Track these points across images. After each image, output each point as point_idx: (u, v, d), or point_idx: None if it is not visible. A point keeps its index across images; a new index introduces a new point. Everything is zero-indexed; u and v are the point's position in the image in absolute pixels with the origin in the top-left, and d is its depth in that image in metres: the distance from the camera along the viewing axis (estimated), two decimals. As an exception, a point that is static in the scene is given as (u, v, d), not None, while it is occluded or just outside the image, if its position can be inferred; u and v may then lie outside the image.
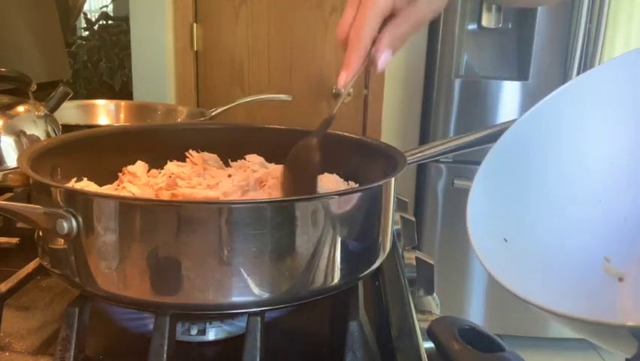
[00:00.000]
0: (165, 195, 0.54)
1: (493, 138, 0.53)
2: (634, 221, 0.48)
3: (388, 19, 0.51)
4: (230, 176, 0.59)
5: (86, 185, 0.57)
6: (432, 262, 0.72)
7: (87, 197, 0.43)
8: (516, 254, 0.43)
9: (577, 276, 0.45)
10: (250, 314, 0.44)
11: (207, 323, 0.50)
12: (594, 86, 0.50)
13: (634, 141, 0.49)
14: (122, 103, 1.25)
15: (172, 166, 0.62)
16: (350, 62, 0.51)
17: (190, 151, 0.64)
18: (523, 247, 0.45)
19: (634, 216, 0.48)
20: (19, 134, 0.74)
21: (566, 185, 0.50)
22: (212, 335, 0.50)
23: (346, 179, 0.62)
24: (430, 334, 0.45)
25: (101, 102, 1.24)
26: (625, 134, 0.49)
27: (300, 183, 0.55)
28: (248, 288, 0.42)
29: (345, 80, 0.52)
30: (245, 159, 0.65)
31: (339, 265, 0.46)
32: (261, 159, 0.65)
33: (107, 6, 3.28)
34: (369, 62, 0.52)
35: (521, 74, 1.96)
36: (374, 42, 0.51)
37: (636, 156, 0.49)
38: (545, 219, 0.48)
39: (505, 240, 0.45)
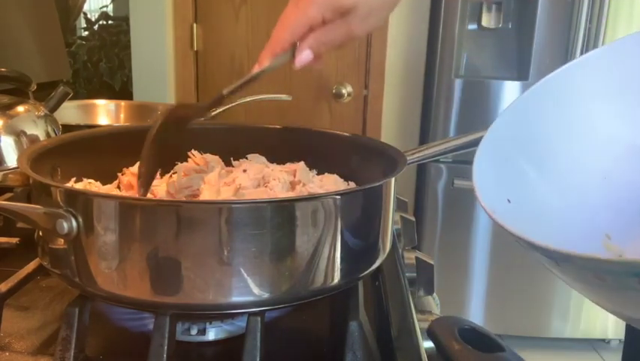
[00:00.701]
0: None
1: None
2: (638, 203, 0.47)
3: (318, 26, 0.53)
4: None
5: (88, 184, 0.58)
6: (432, 262, 0.72)
7: (87, 197, 0.43)
8: (520, 217, 0.43)
9: (577, 249, 0.45)
10: (250, 314, 0.44)
11: (207, 323, 0.50)
12: (607, 62, 0.49)
13: None
14: (122, 103, 1.25)
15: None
16: (263, 58, 0.54)
17: (192, 151, 0.64)
18: (527, 210, 0.45)
19: (638, 198, 0.47)
20: (19, 135, 0.74)
21: (572, 158, 0.49)
22: (212, 335, 0.50)
23: (346, 179, 0.62)
24: (430, 334, 0.45)
25: (101, 102, 1.24)
26: (636, 114, 0.49)
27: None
28: (248, 288, 0.42)
29: (255, 71, 0.55)
30: (247, 158, 0.65)
31: (339, 265, 0.46)
32: (262, 158, 0.65)
33: (107, 6, 3.28)
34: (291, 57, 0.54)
35: (521, 74, 1.96)
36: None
37: None
38: (550, 186, 0.48)
39: (509, 200, 0.44)
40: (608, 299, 0.34)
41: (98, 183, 0.59)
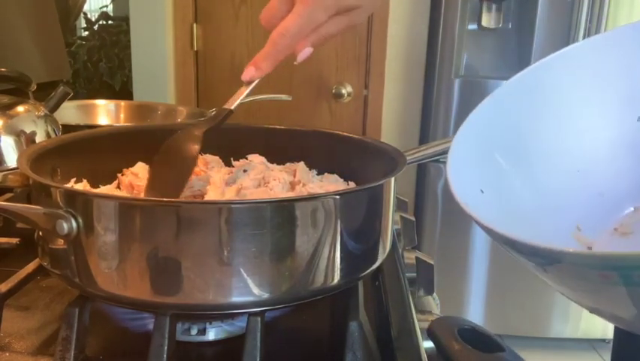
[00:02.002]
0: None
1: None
2: (610, 197, 0.47)
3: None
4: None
5: (87, 186, 0.58)
6: (432, 262, 0.72)
7: (87, 197, 0.43)
8: (493, 209, 0.43)
9: (547, 241, 0.45)
10: (250, 314, 0.44)
11: (207, 323, 0.50)
12: (584, 58, 0.50)
13: (619, 118, 0.48)
14: (122, 103, 1.25)
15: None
16: (262, 64, 0.52)
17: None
18: (501, 202, 0.45)
19: (610, 192, 0.47)
20: (19, 134, 0.74)
21: (547, 151, 0.49)
22: (212, 335, 0.50)
23: (346, 179, 0.62)
24: (430, 334, 0.45)
25: (101, 102, 1.24)
26: (611, 109, 0.49)
27: (168, 177, 0.51)
28: (248, 288, 0.42)
29: (251, 77, 0.52)
30: (247, 158, 0.65)
31: (339, 265, 0.46)
32: (262, 158, 0.65)
33: (107, 6, 3.28)
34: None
35: (521, 74, 1.96)
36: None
37: (620, 133, 0.48)
38: (523, 179, 0.48)
39: (482, 191, 0.44)
40: (571, 290, 0.34)
41: (99, 185, 0.59)
